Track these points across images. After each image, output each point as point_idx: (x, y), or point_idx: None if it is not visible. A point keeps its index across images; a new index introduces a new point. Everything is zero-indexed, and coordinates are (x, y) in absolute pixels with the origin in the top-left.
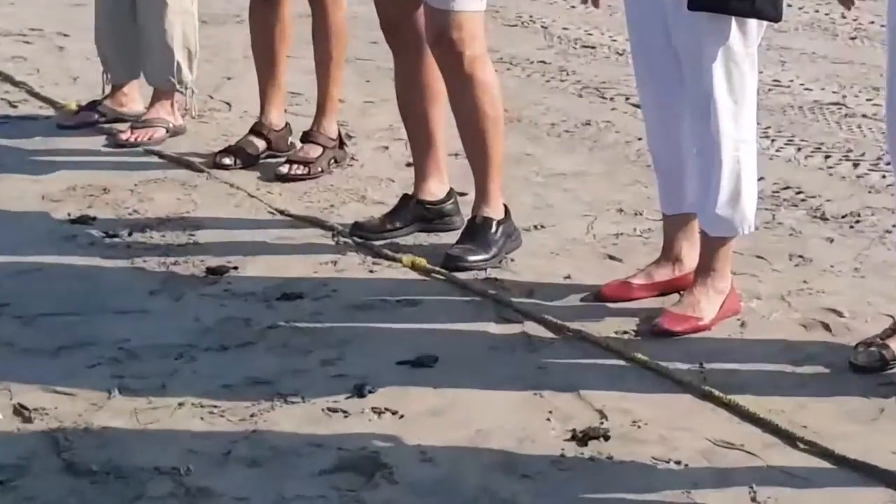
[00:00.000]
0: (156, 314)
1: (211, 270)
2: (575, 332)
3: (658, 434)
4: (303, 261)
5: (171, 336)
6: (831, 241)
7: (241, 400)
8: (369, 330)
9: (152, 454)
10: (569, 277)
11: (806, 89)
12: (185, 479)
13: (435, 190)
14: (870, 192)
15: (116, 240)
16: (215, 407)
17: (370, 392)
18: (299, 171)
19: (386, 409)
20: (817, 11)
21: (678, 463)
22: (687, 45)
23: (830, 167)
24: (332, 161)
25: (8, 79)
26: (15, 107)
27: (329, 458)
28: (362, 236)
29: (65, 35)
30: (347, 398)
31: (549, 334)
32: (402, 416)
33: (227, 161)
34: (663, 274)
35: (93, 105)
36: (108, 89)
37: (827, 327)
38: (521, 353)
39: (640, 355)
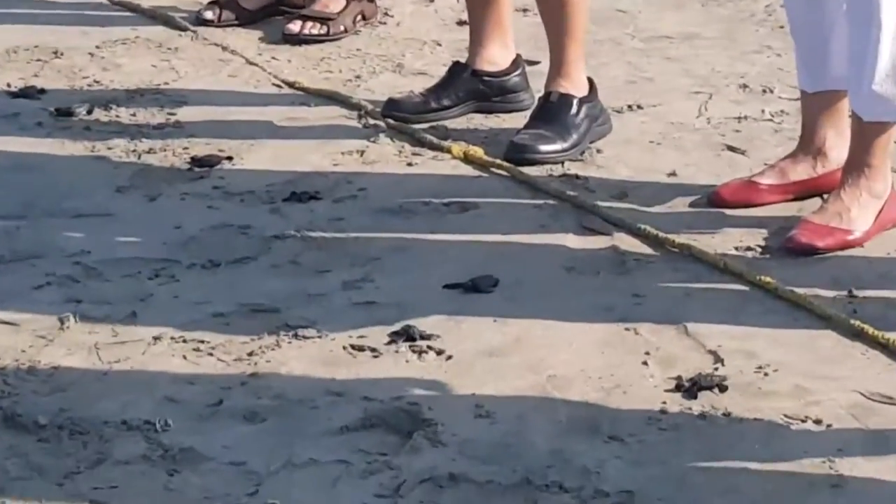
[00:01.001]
0: (124, 219)
1: (197, 161)
2: (682, 247)
3: (792, 384)
4: (319, 149)
5: (143, 248)
6: None
7: (235, 334)
8: (407, 242)
9: (118, 404)
10: (674, 175)
11: None
12: (161, 437)
13: (496, 57)
14: None
15: (72, 119)
16: (202, 343)
17: (408, 326)
18: (315, 31)
19: (429, 348)
20: None
21: (818, 422)
22: None
23: None
24: (360, 17)
25: None
26: None
27: (352, 412)
28: (398, 117)
29: None
30: (378, 333)
31: (648, 250)
32: (449, 357)
33: (209, 15)
34: (801, 171)
35: None
36: None
37: None
38: (610, 275)
39: (768, 279)
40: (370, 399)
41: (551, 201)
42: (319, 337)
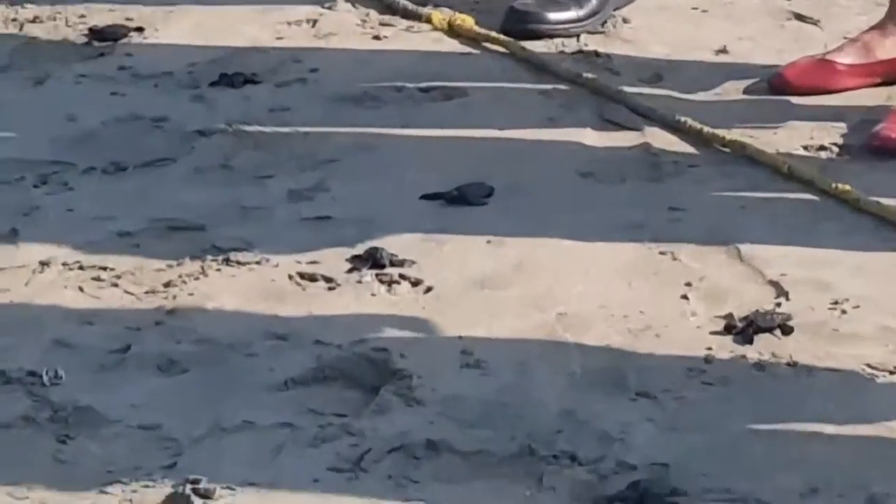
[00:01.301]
0: (0, 108)
1: (97, 33)
2: (734, 145)
3: (876, 325)
4: (258, 18)
5: (26, 147)
6: None
7: (147, 258)
8: (372, 139)
9: None
10: (724, 52)
11: None
12: (50, 393)
13: None
14: None
15: None
16: (103, 270)
17: (374, 249)
18: None
19: (402, 278)
20: None
21: None
22: None
23: None
24: None
25: None
26: None
27: (301, 361)
28: None
29: None
30: (335, 258)
31: (689, 149)
32: (428, 290)
33: None
34: (891, 47)
35: None
36: None
37: None
38: (639, 182)
39: (846, 187)
40: (324, 343)
41: (562, 86)
42: (258, 263)
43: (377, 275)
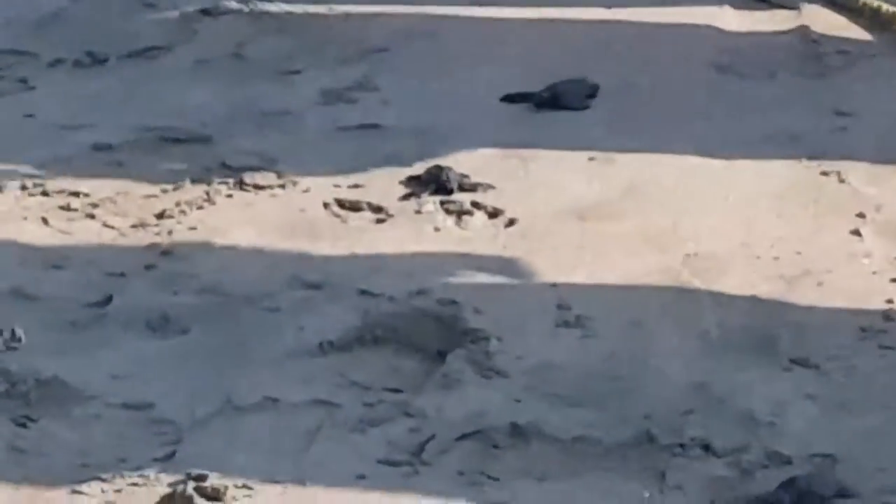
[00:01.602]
0: None
1: None
2: None
3: None
4: None
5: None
6: None
7: (135, 179)
8: (435, 21)
9: None
10: None
11: None
12: (5, 359)
13: None
14: None
15: None
16: (74, 196)
17: (438, 168)
18: None
19: (475, 207)
20: None
21: None
22: None
23: None
24: None
25: None
26: None
27: (341, 316)
28: None
29: None
30: (385, 179)
31: (860, 33)
32: (511, 223)
33: None
34: None
35: None
36: None
37: None
38: (793, 76)
39: None
40: (372, 294)
41: None
42: (282, 186)
43: (442, 203)
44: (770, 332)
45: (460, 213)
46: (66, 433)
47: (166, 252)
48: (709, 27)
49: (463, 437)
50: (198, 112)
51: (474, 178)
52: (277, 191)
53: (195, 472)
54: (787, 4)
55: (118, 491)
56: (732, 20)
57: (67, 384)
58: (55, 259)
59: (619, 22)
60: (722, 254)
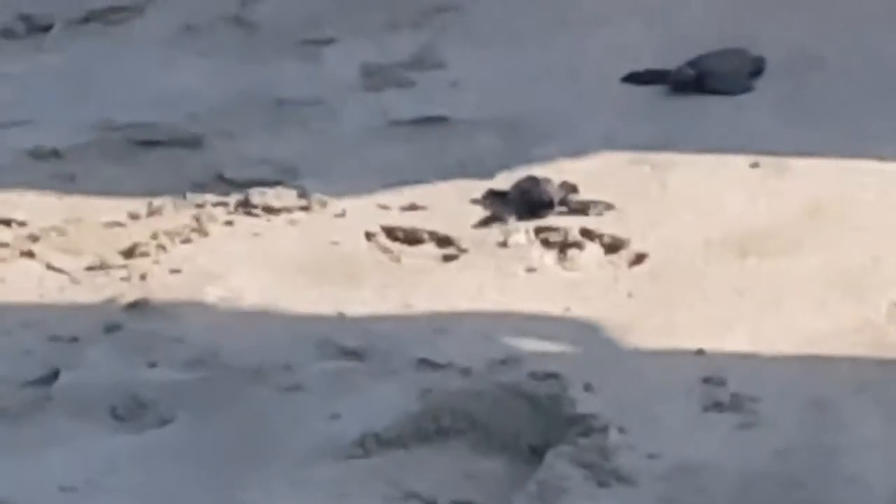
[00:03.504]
0: None
1: None
2: None
3: None
4: None
5: None
6: None
7: (92, 195)
8: None
9: None
10: None
11: None
12: None
13: None
14: None
15: None
16: (5, 225)
17: (535, 181)
18: None
19: (588, 236)
20: None
21: None
22: None
23: None
24: None
25: None
26: None
27: (393, 398)
28: None
29: None
30: (456, 196)
31: None
32: (641, 259)
33: None
34: None
35: None
36: None
37: None
38: None
39: None
40: (436, 364)
41: None
42: (305, 209)
43: (538, 230)
44: None
45: (565, 246)
46: None
47: (137, 306)
48: None
49: None
50: (183, 101)
51: (585, 194)
52: (299, 215)
53: None
54: None
55: None
56: None
57: None
58: None
59: None
60: None
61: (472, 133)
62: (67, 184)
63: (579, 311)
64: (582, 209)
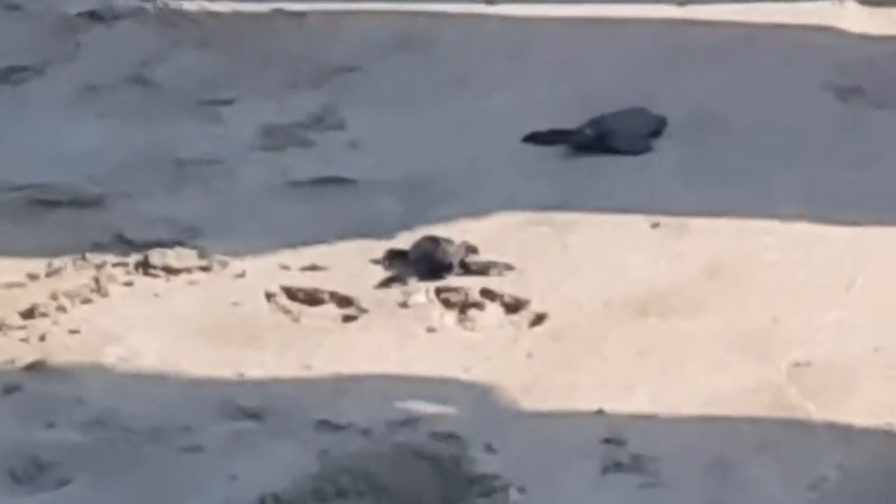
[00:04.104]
0: None
1: None
2: None
3: None
4: None
5: None
6: None
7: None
8: (426, 24)
9: None
10: None
11: None
12: None
13: None
14: None
15: None
16: None
17: (436, 242)
18: None
19: (488, 296)
20: None
21: None
22: None
23: None
24: None
25: None
26: None
27: (293, 460)
28: None
29: None
30: (351, 252)
31: None
32: (540, 319)
33: None
34: None
35: None
36: None
37: None
38: None
39: None
40: (336, 426)
41: None
42: (205, 269)
43: (439, 291)
44: None
45: (465, 306)
46: None
47: (36, 367)
48: (825, 31)
49: None
50: (83, 162)
51: (486, 255)
52: (199, 276)
53: None
54: None
55: None
56: (858, 20)
57: None
58: None
59: (694, 24)
60: (845, 364)
61: (372, 193)
62: None
63: (479, 371)
64: (482, 270)
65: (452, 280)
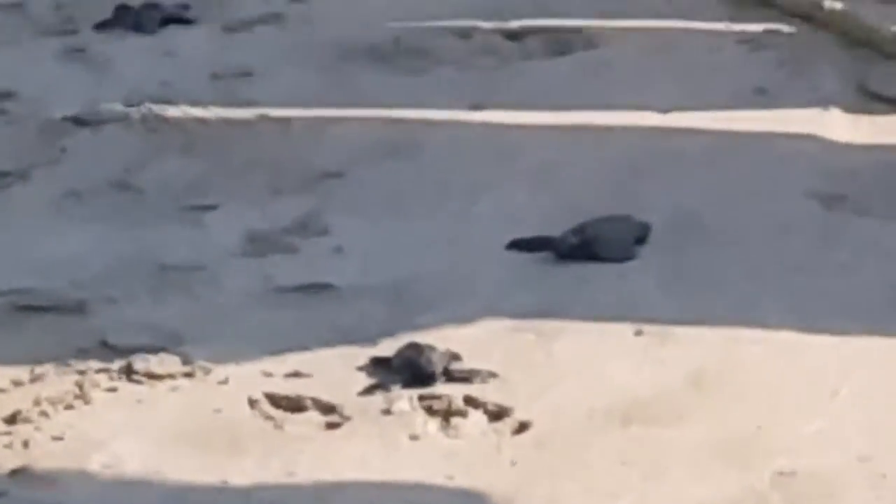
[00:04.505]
0: None
1: None
2: None
3: None
4: None
5: None
6: None
7: None
8: (411, 131)
9: None
10: None
11: None
12: None
13: None
14: None
15: None
16: None
17: (419, 349)
18: None
19: (471, 404)
20: None
21: None
22: None
23: None
24: None
25: None
26: None
27: None
28: None
29: None
30: (337, 361)
31: None
32: (523, 428)
33: None
34: None
35: None
36: None
37: None
38: None
39: None
40: None
41: (785, 26)
42: (189, 375)
43: (422, 398)
44: None
45: (448, 414)
46: None
47: (20, 473)
48: (809, 139)
49: None
50: (67, 267)
51: (469, 363)
52: (182, 382)
53: None
54: None
55: None
56: (843, 128)
57: None
58: None
59: (678, 132)
60: (830, 474)
61: (356, 300)
62: None
63: (463, 479)
64: (465, 378)
65: (436, 387)
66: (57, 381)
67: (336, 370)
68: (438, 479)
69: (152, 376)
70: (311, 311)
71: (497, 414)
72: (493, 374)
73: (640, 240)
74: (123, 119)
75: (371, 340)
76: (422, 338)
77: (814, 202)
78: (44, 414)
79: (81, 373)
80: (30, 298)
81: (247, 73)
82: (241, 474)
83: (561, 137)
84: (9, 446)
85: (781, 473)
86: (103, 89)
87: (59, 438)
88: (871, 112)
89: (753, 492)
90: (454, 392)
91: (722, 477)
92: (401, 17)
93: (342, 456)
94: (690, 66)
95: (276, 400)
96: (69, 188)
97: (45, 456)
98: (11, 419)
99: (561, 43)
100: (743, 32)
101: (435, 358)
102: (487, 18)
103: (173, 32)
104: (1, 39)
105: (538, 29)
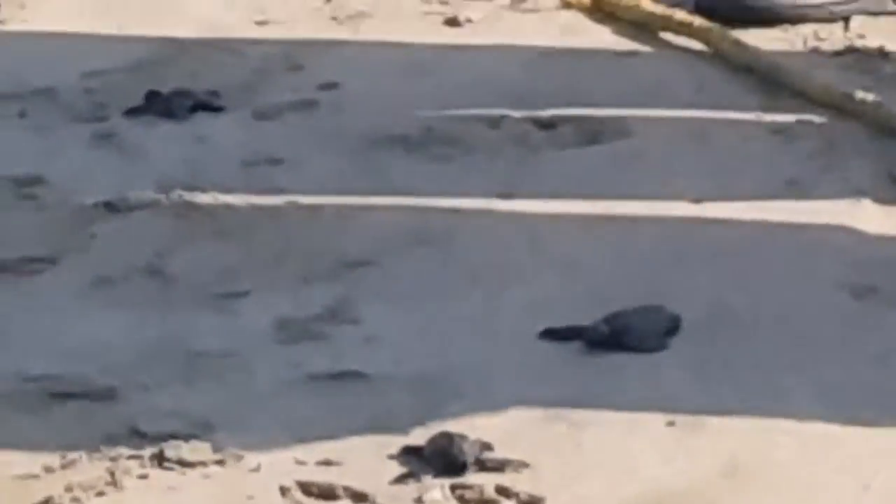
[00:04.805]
0: None
1: None
2: None
3: None
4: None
5: None
6: None
7: (9, 453)
8: (441, 220)
9: None
10: None
11: None
12: None
13: None
14: None
15: None
16: None
17: (450, 438)
18: None
19: (503, 494)
20: None
21: None
22: None
23: None
24: None
25: None
26: None
27: None
28: None
29: None
30: (366, 450)
31: None
32: None
33: None
34: None
35: None
36: None
37: None
38: None
39: None
40: None
41: (816, 117)
42: (220, 462)
43: (454, 488)
44: None
45: (482, 503)
46: None
47: None
48: (841, 230)
49: None
50: (97, 353)
51: (501, 452)
52: (214, 469)
53: None
54: None
55: None
56: (874, 220)
57: None
58: None
59: (709, 223)
60: None
61: (386, 389)
62: None
63: None
64: (497, 467)
65: (467, 477)
66: (88, 467)
67: (367, 459)
68: None
69: (184, 463)
70: (342, 399)
71: (529, 503)
72: (524, 464)
73: (672, 330)
74: (154, 205)
75: (402, 429)
76: (453, 426)
77: (845, 293)
78: (76, 500)
79: (113, 459)
80: (60, 384)
81: (277, 161)
82: None
83: (591, 226)
84: None
85: None
86: (133, 175)
87: None
88: None
89: None
90: (486, 481)
91: None
92: (431, 105)
93: None
94: (722, 155)
95: (307, 488)
96: (99, 274)
97: None
98: None
99: (592, 132)
100: (774, 123)
101: (467, 447)
102: (517, 107)
103: (203, 119)
104: (31, 125)
105: (569, 118)
